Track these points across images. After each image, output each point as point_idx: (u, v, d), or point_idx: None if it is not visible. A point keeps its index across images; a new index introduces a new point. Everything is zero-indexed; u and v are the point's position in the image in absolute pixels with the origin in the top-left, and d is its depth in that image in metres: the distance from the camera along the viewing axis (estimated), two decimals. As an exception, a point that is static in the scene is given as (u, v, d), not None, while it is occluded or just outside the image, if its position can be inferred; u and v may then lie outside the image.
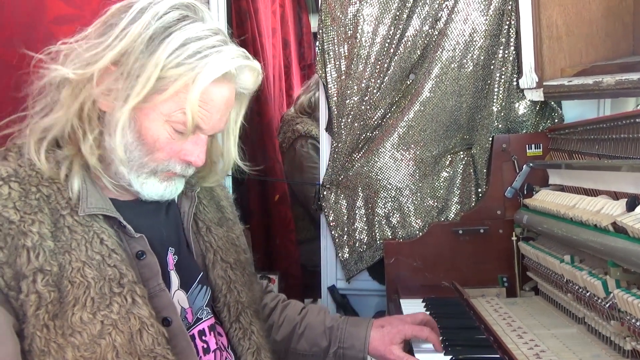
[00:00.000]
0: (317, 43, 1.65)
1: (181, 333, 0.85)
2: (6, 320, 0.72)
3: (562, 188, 1.33)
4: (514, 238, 1.42)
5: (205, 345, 0.92)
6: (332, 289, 1.75)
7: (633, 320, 0.83)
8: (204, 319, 0.94)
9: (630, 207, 0.87)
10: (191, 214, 0.97)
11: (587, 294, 1.00)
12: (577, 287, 1.05)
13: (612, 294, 0.90)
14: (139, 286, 0.80)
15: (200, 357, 0.89)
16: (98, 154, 0.81)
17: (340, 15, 1.59)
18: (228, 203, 1.09)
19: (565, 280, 1.11)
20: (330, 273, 1.76)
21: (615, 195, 1.03)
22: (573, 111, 1.54)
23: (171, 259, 0.91)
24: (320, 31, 1.62)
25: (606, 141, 1.12)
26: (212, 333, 0.94)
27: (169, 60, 0.76)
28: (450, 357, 0.98)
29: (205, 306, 0.95)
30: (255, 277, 1.10)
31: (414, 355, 1.03)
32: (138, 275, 0.82)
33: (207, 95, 0.80)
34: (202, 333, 0.92)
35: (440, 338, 1.08)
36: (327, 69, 1.63)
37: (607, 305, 0.91)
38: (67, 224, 0.78)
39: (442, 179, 1.62)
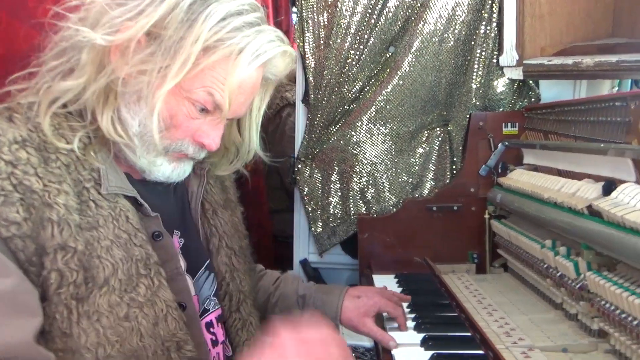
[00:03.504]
0: (296, 10, 1.58)
1: (195, 319, 0.82)
2: (33, 292, 0.66)
3: (535, 168, 1.34)
4: (486, 216, 1.43)
5: (213, 338, 0.88)
6: (304, 263, 1.74)
7: (602, 302, 0.85)
8: (211, 310, 0.90)
9: (607, 192, 0.87)
10: (200, 194, 0.91)
11: (558, 274, 1.01)
12: (547, 267, 1.06)
13: (582, 276, 0.92)
14: (163, 268, 0.76)
15: (209, 349, 0.85)
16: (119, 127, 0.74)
17: (321, -19, 1.53)
18: (231, 183, 1.04)
19: (535, 259, 1.13)
20: (302, 247, 1.75)
21: (590, 178, 1.04)
22: (550, 91, 1.54)
23: (176, 241, 0.86)
24: (299, -3, 1.55)
25: (583, 123, 1.12)
26: (219, 324, 0.91)
27: (209, 35, 0.69)
28: (423, 334, 0.98)
29: (213, 296, 0.91)
30: (253, 264, 1.07)
31: (385, 330, 1.03)
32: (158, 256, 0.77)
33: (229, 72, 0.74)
34: (209, 325, 0.89)
35: (413, 315, 1.09)
36: (305, 38, 1.57)
37: (577, 286, 0.93)
38: (93, 197, 0.72)
39: (417, 155, 1.61)
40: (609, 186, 0.87)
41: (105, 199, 0.73)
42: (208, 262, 0.91)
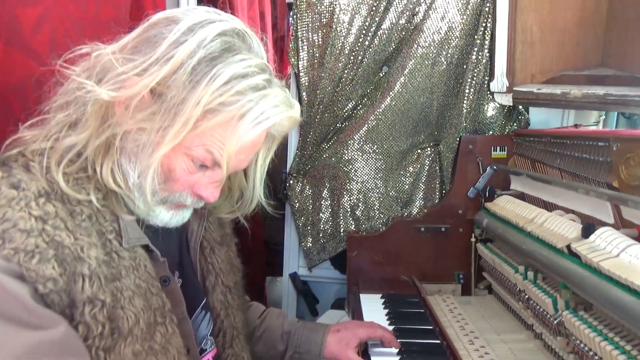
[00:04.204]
0: (292, 29, 1.59)
1: None
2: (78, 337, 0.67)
3: (522, 194, 1.37)
4: (472, 239, 1.46)
5: None
6: (294, 276, 1.77)
7: (577, 342, 0.87)
8: (208, 350, 0.91)
9: (586, 234, 0.90)
10: (200, 233, 0.91)
11: (538, 306, 1.04)
12: (527, 298, 1.09)
13: (560, 312, 0.95)
14: (174, 314, 0.78)
15: None
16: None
17: (316, 2, 1.54)
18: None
19: (517, 289, 1.15)
20: (292, 260, 1.77)
21: (574, 214, 1.07)
22: (539, 116, 1.57)
23: (176, 281, 0.86)
24: (295, 16, 1.57)
25: (568, 157, 1.15)
26: None
27: (211, 99, 0.69)
28: (404, 362, 1.01)
29: (209, 335, 0.91)
30: (246, 297, 1.08)
31: (370, 358, 1.06)
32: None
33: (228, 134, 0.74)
34: None
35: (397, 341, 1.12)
36: (299, 56, 1.58)
37: (555, 322, 0.96)
38: (115, 248, 0.72)
39: (408, 174, 1.64)
40: (588, 229, 0.89)
41: (125, 250, 0.74)
42: (204, 301, 0.91)
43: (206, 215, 0.92)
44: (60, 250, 0.66)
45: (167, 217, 0.79)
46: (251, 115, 0.71)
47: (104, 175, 0.72)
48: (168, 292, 0.79)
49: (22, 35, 1.00)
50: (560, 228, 1.01)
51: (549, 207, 1.19)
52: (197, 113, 0.68)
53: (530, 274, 1.10)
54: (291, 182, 1.68)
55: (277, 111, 0.74)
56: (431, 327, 1.19)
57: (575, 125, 1.46)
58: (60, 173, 0.70)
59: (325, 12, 1.54)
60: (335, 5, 1.53)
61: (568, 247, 0.94)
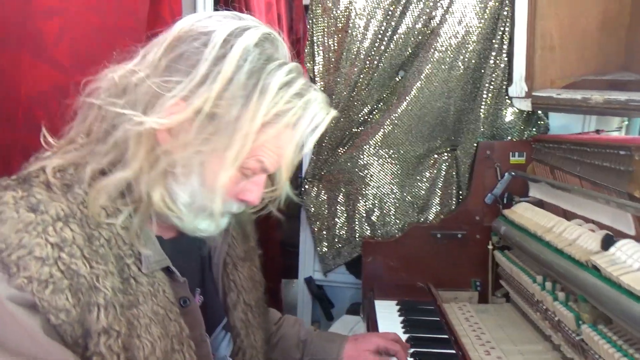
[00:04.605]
0: (308, 33, 1.59)
1: None
2: None
3: (541, 202, 1.34)
4: (489, 247, 1.44)
5: None
6: (309, 280, 1.77)
7: (596, 357, 0.85)
8: None
9: (605, 246, 0.88)
10: (224, 250, 0.89)
11: (556, 319, 1.02)
12: (546, 309, 1.07)
13: (581, 327, 0.93)
14: (192, 340, 0.75)
15: None
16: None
17: (331, 6, 1.54)
18: (251, 228, 1.00)
19: (536, 299, 1.13)
20: (307, 264, 1.77)
21: (593, 223, 1.04)
22: (559, 120, 1.54)
23: (197, 300, 0.84)
24: (311, 21, 1.56)
25: (588, 165, 1.12)
26: None
27: (265, 111, 0.67)
28: (419, 373, 1.00)
29: (229, 356, 0.89)
30: (267, 311, 1.06)
31: None
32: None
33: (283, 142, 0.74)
34: None
35: (412, 350, 1.11)
36: (315, 61, 1.58)
37: (577, 338, 0.93)
38: (133, 274, 0.69)
39: (424, 179, 1.62)
40: (608, 241, 0.88)
41: (144, 275, 0.71)
42: (225, 321, 0.89)
43: (230, 230, 0.90)
44: (75, 279, 0.63)
45: (213, 228, 0.77)
46: (304, 122, 0.71)
47: (155, 202, 0.70)
48: (187, 313, 0.77)
49: (45, 47, 1.02)
50: (579, 239, 0.98)
51: (569, 215, 1.17)
52: (255, 128, 0.67)
53: (549, 285, 1.08)
54: (306, 186, 1.68)
55: (324, 113, 0.74)
56: (447, 336, 1.17)
57: (597, 131, 1.43)
58: (97, 207, 0.68)
59: (341, 16, 1.54)
60: (351, 9, 1.52)
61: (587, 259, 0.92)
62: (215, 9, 1.63)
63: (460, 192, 1.59)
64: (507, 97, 1.49)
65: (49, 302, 0.61)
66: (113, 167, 0.69)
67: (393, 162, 1.61)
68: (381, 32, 1.52)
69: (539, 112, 1.51)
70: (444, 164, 1.61)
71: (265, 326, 1.00)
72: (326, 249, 1.69)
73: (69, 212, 0.66)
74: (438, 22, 1.49)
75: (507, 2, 1.43)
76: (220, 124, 0.67)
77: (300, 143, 0.74)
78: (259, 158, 0.72)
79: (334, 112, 0.77)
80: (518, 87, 1.44)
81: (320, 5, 1.55)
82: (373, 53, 1.53)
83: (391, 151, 1.60)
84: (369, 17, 1.52)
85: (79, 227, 0.65)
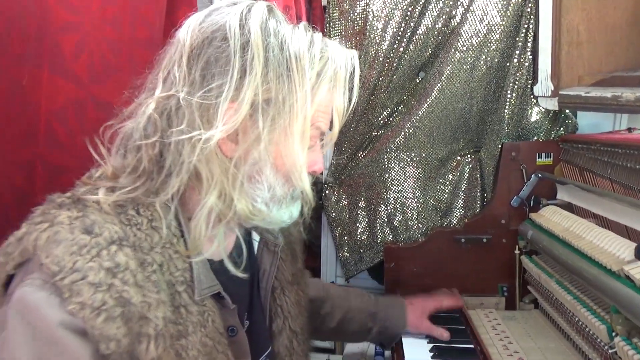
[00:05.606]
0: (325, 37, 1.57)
1: None
2: None
3: (570, 205, 1.29)
4: (516, 252, 1.39)
5: None
6: (332, 286, 1.75)
7: (631, 372, 0.81)
8: None
9: (639, 254, 0.83)
10: (273, 273, 0.86)
11: (587, 329, 0.98)
12: (576, 319, 1.03)
13: (614, 341, 0.88)
14: None
15: None
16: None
17: (349, 9, 1.51)
18: (300, 248, 0.98)
19: (565, 308, 1.09)
20: (330, 270, 1.75)
21: (625, 230, 0.99)
22: (588, 119, 1.48)
23: (244, 325, 0.81)
24: (328, 25, 1.55)
25: (620, 167, 1.07)
26: None
27: (310, 75, 0.67)
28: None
29: None
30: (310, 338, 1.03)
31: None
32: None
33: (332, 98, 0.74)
34: None
35: (436, 361, 1.08)
36: (333, 65, 1.56)
37: (610, 351, 0.89)
38: (184, 302, 0.67)
39: (447, 182, 1.58)
40: (642, 249, 0.83)
41: (194, 303, 0.68)
42: (269, 350, 0.86)
43: (279, 253, 0.88)
44: (127, 308, 0.60)
45: (286, 216, 0.75)
46: (342, 72, 0.72)
47: (240, 213, 0.69)
48: (234, 343, 0.74)
49: (64, 62, 1.03)
50: (611, 246, 0.94)
51: (599, 219, 1.12)
52: (309, 94, 0.67)
53: (579, 294, 1.03)
54: (327, 192, 1.66)
55: (350, 53, 0.75)
56: (472, 347, 1.14)
57: (629, 130, 1.36)
58: (202, 239, 0.68)
59: (358, 19, 1.51)
60: (368, 12, 1.49)
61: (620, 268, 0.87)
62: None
63: (485, 195, 1.54)
64: (532, 96, 1.43)
65: (101, 330, 0.59)
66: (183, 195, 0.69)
67: (415, 165, 1.58)
68: (400, 33, 1.48)
69: (567, 110, 1.45)
70: (467, 167, 1.57)
71: (308, 353, 0.97)
72: (348, 254, 1.67)
73: (122, 235, 0.63)
74: (459, 21, 1.45)
75: (530, -3, 1.38)
76: (277, 104, 0.66)
77: (344, 90, 0.73)
78: (316, 125, 0.72)
79: (353, 51, 0.77)
80: (544, 85, 1.39)
81: (337, 8, 1.53)
82: (392, 55, 1.50)
83: (412, 154, 1.57)
84: (387, 18, 1.49)
85: (132, 250, 0.63)
